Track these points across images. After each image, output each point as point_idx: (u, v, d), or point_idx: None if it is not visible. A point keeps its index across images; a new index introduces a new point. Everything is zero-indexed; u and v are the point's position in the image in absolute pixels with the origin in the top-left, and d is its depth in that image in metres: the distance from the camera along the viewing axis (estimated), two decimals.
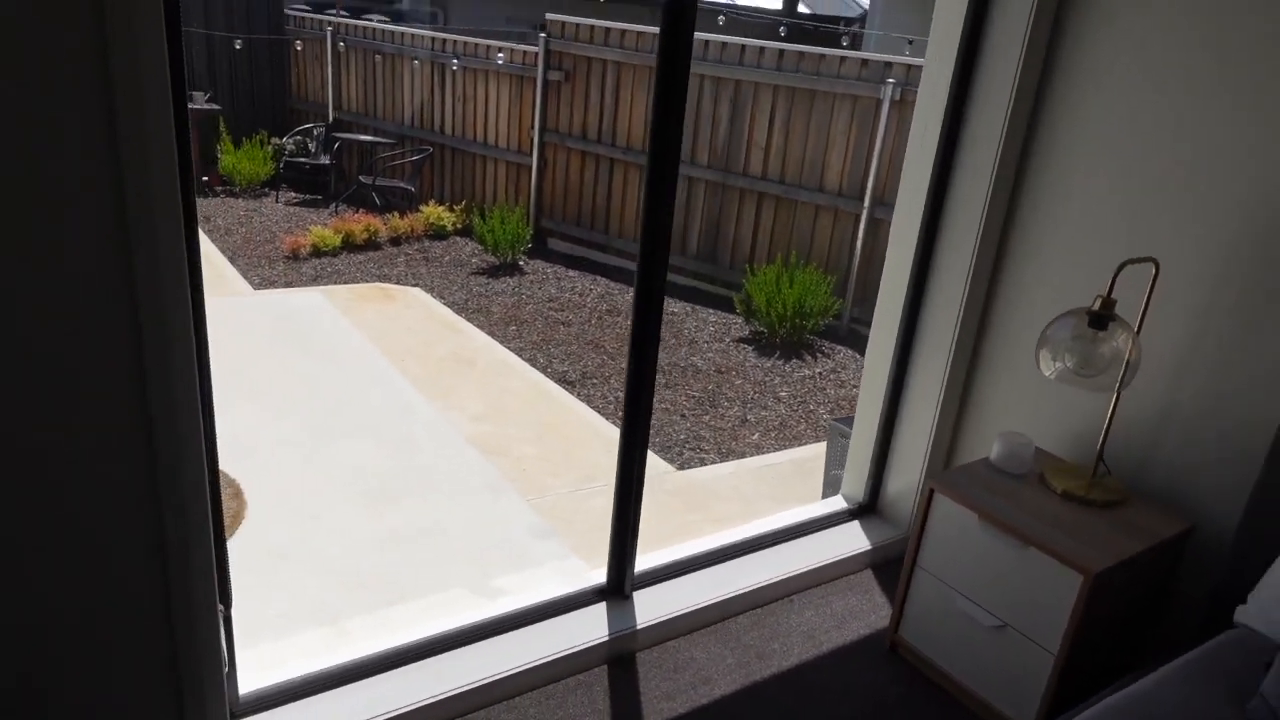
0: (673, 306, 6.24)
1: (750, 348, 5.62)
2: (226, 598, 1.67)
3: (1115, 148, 2.18)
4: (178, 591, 1.53)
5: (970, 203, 2.41)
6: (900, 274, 2.59)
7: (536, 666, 2.06)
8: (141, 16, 1.23)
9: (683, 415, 4.60)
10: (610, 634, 2.18)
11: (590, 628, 2.19)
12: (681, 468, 4.02)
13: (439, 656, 2.06)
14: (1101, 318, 1.95)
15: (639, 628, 2.22)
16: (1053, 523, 1.99)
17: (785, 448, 4.34)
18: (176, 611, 1.54)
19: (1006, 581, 2.01)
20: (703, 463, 4.10)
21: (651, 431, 4.33)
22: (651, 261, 2.02)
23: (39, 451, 1.34)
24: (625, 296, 6.34)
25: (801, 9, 12.85)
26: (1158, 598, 2.08)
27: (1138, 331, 2.03)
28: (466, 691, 1.97)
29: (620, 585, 2.30)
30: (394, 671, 2.00)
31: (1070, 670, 1.92)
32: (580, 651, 2.13)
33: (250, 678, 1.84)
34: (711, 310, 6.23)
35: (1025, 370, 2.44)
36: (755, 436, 4.46)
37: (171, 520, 1.49)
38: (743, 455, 4.23)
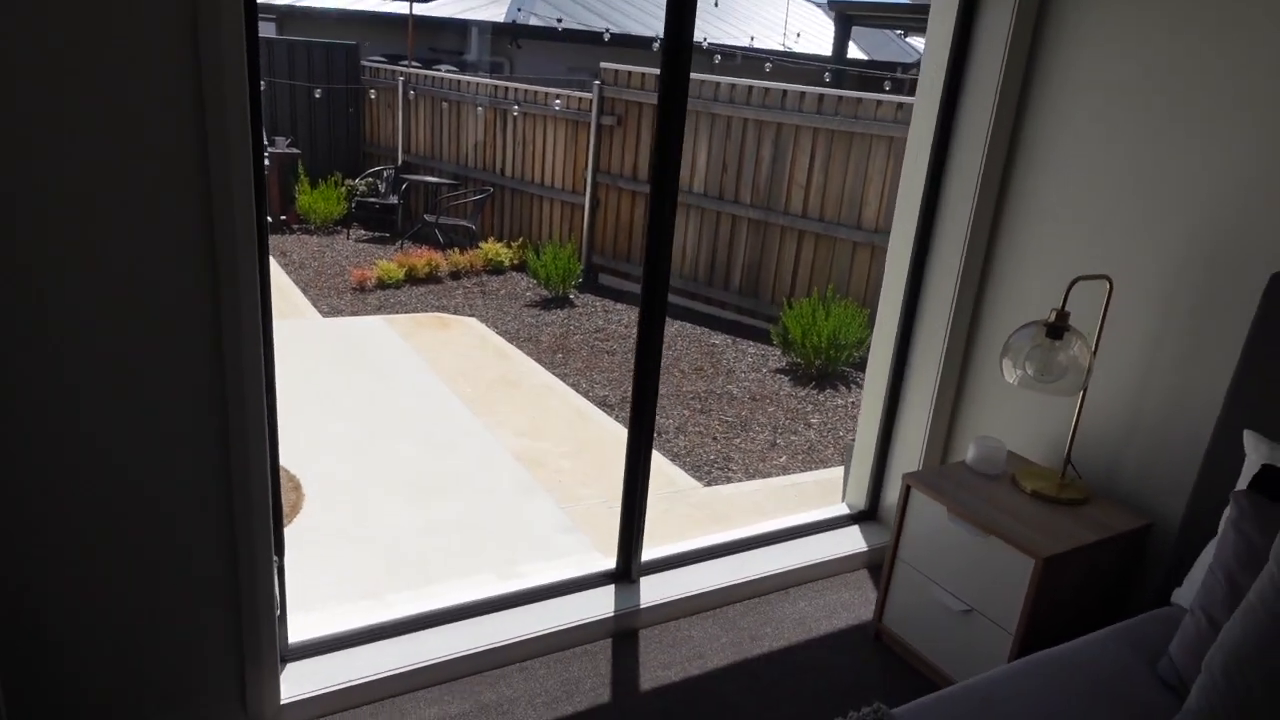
0: (714, 339, 6.50)
1: (786, 378, 5.84)
2: (280, 549, 1.97)
3: (1080, 181, 2.40)
4: (243, 541, 1.84)
5: (955, 228, 2.64)
6: (895, 296, 2.82)
7: (547, 635, 2.32)
8: (231, 89, 1.56)
9: (714, 438, 4.84)
10: (616, 611, 2.43)
11: (598, 605, 2.44)
12: (709, 485, 4.25)
13: (465, 621, 2.33)
14: (1057, 328, 2.16)
15: (642, 607, 2.46)
16: (1016, 516, 2.18)
17: (811, 469, 4.54)
18: (242, 556, 1.85)
19: (972, 569, 2.21)
20: (729, 481, 4.33)
21: (684, 452, 4.60)
22: (654, 275, 2.31)
23: (144, 436, 1.67)
24: (670, 328, 6.63)
25: (858, 54, 13.15)
26: (1116, 587, 2.24)
27: (1097, 341, 2.23)
28: (486, 651, 2.24)
29: (628, 570, 2.55)
30: (425, 631, 2.28)
31: (1027, 650, 2.10)
32: (587, 625, 2.38)
33: (299, 630, 2.14)
34: (751, 343, 6.46)
35: (1009, 382, 2.64)
36: (783, 459, 4.67)
37: (238, 490, 1.80)
38: (769, 475, 4.44)
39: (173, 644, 1.84)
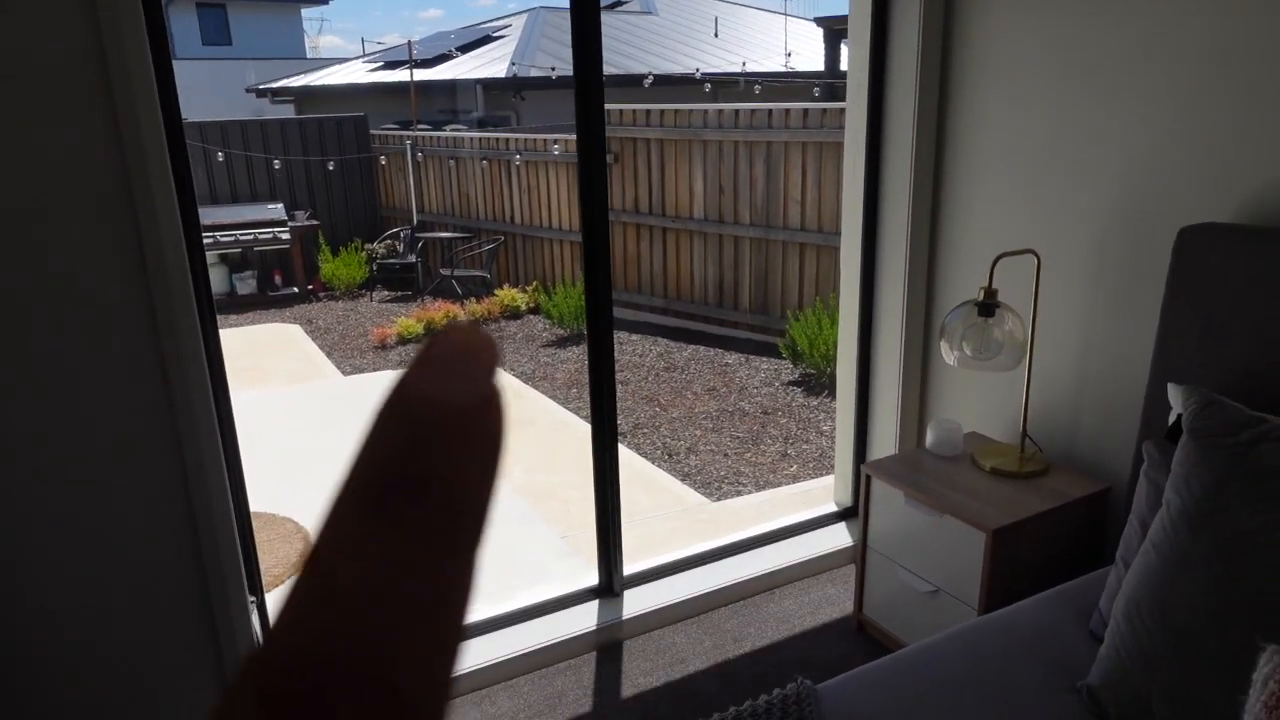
0: (728, 359, 6.57)
1: (799, 389, 5.88)
2: (257, 591, 2.09)
3: (1003, 164, 2.45)
4: (215, 585, 1.96)
5: (896, 222, 2.70)
6: (852, 295, 2.89)
7: (530, 653, 2.40)
8: (157, 180, 1.72)
9: (726, 455, 4.89)
10: (598, 625, 2.50)
11: (581, 621, 2.52)
12: (718, 500, 4.30)
13: None
14: (988, 305, 2.20)
15: (625, 619, 2.53)
16: (971, 494, 2.22)
17: (821, 476, 4.56)
18: (215, 599, 1.97)
19: (932, 549, 2.24)
20: (739, 494, 4.37)
21: (694, 471, 4.65)
22: (596, 298, 2.41)
23: (109, 496, 1.81)
24: (684, 353, 6.72)
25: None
26: (1077, 553, 2.25)
27: (1034, 315, 2.27)
28: (472, 672, 2.33)
29: (610, 585, 2.62)
30: None
31: None
32: (570, 640, 2.45)
33: None
34: (764, 359, 6.51)
35: (949, 363, 2.68)
36: (794, 468, 4.70)
37: (207, 545, 1.93)
38: (779, 485, 4.48)
39: (155, 683, 1.96)
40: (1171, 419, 1.82)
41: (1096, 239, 2.26)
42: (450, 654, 0.17)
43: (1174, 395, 1.85)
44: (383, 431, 0.17)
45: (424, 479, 0.17)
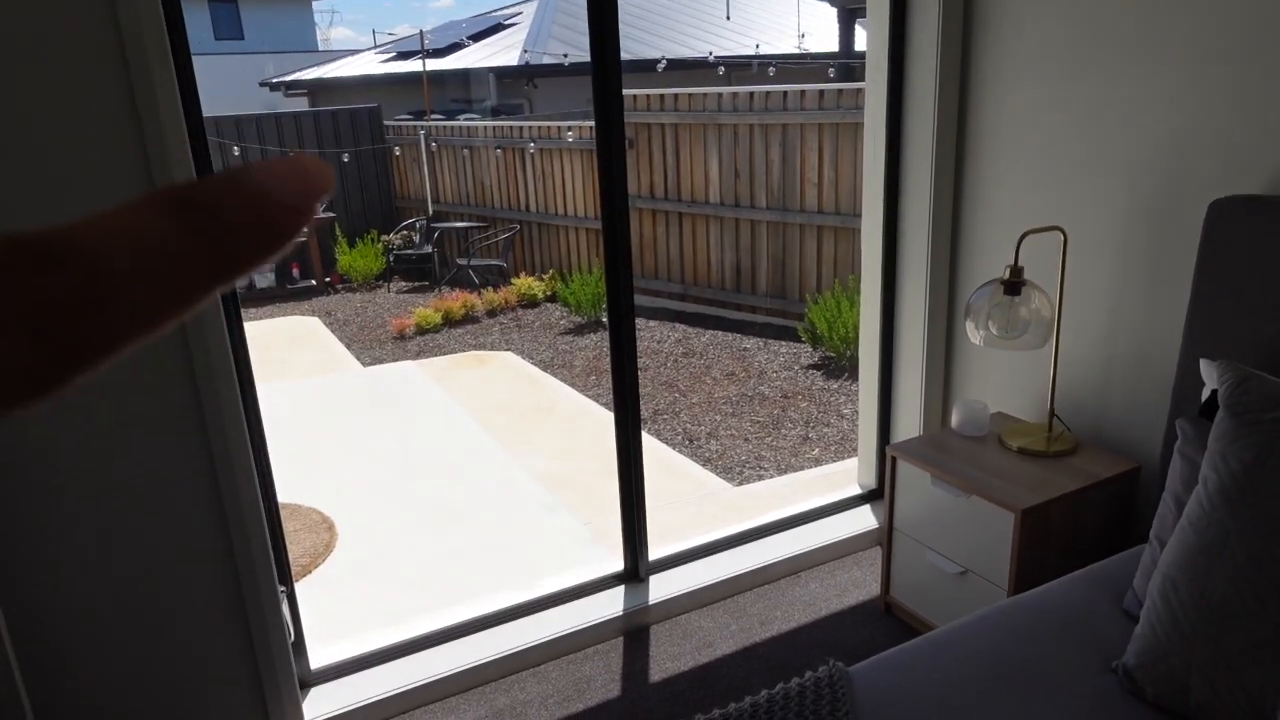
0: (746, 343, 6.55)
1: (819, 372, 5.85)
2: (287, 579, 2.11)
3: (1027, 136, 2.42)
4: (245, 575, 1.98)
5: (918, 202, 2.67)
6: (874, 275, 2.86)
7: (558, 639, 2.41)
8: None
9: (746, 439, 4.88)
10: (625, 610, 2.50)
11: (608, 606, 2.52)
12: (740, 484, 4.30)
13: (480, 633, 2.44)
14: (1014, 284, 2.18)
15: (651, 604, 2.53)
16: (999, 474, 2.20)
17: (842, 459, 4.55)
18: (246, 589, 1.98)
19: (961, 530, 2.23)
20: (761, 479, 4.36)
21: (715, 456, 4.65)
22: (617, 279, 2.40)
23: (147, 491, 1.82)
24: (702, 338, 6.70)
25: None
26: (1108, 532, 2.23)
27: (1060, 292, 2.24)
28: (500, 659, 2.34)
29: (635, 570, 2.63)
30: (442, 645, 2.39)
31: None
32: (597, 625, 2.46)
33: (319, 656, 2.27)
34: (784, 343, 6.49)
35: (975, 343, 2.65)
36: (815, 452, 4.68)
37: (235, 528, 1.94)
38: (801, 469, 4.46)
39: (191, 674, 1.98)
40: (1205, 395, 1.80)
41: (1123, 214, 2.23)
42: (147, 324, 0.20)
43: (1207, 371, 1.82)
44: (214, 178, 0.21)
45: (219, 206, 0.21)
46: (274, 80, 13.76)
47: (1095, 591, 1.73)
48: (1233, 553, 1.34)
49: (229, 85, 13.73)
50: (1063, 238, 2.22)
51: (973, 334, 2.26)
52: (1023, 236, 2.15)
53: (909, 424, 2.89)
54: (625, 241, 2.37)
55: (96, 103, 1.64)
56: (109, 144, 1.66)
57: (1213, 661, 1.33)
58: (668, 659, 2.38)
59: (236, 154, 8.85)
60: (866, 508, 2.99)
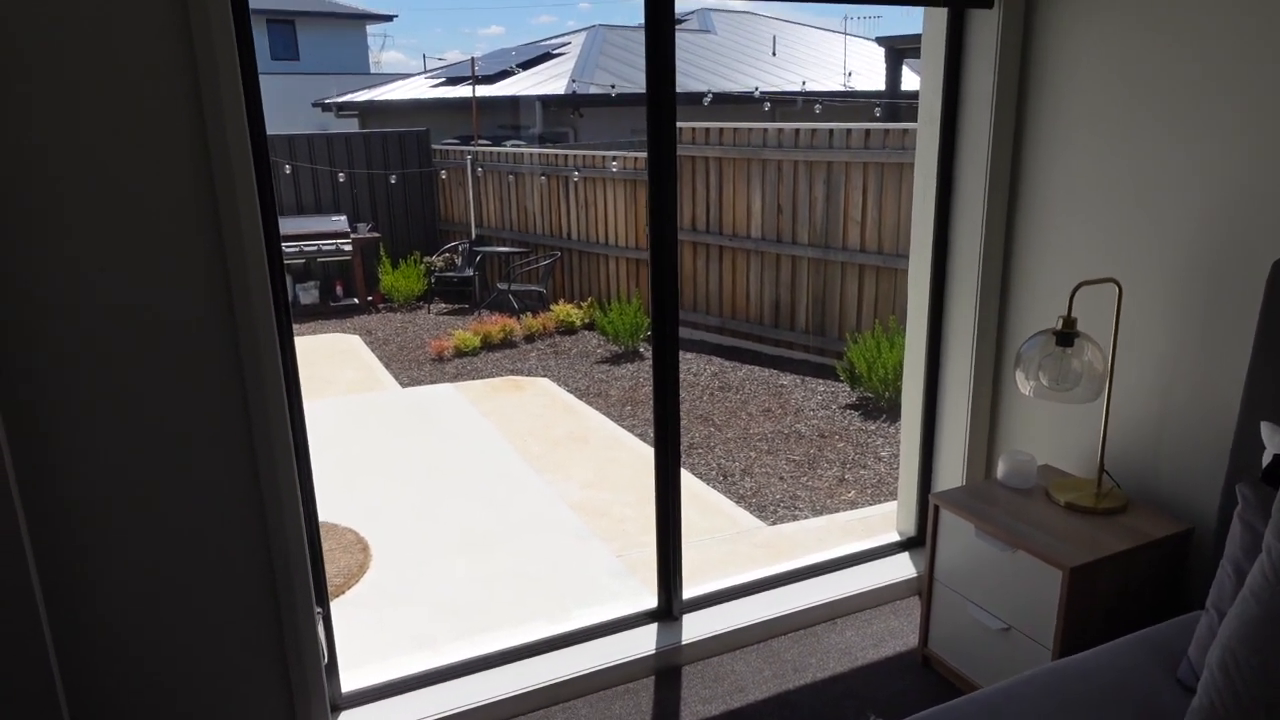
0: (783, 380, 6.51)
1: (856, 413, 5.79)
2: (324, 601, 2.11)
3: (1084, 191, 2.39)
4: (284, 597, 1.99)
5: (968, 247, 2.65)
6: (920, 320, 2.83)
7: (589, 674, 2.38)
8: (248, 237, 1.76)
9: (781, 478, 4.84)
10: (657, 649, 2.47)
11: (640, 644, 2.49)
12: (773, 524, 4.25)
13: (512, 665, 2.42)
14: (1067, 335, 2.14)
15: (684, 644, 2.50)
16: (1045, 529, 2.15)
17: (879, 503, 4.48)
18: (284, 610, 1.99)
19: (1005, 586, 2.18)
20: (795, 519, 4.31)
21: (749, 494, 4.62)
22: (662, 310, 2.40)
23: (187, 505, 1.85)
24: (739, 372, 6.68)
25: (915, 87, 13.06)
26: (1158, 595, 2.17)
27: (1114, 345, 2.20)
28: (530, 692, 2.32)
29: (669, 608, 2.60)
30: (473, 675, 2.37)
31: None
32: (629, 663, 2.43)
33: (351, 680, 2.27)
34: (821, 381, 6.44)
35: (1024, 393, 2.61)
36: (851, 494, 4.62)
37: (277, 551, 1.95)
38: (836, 511, 4.41)
39: (225, 691, 1.99)
40: (1266, 459, 1.75)
41: (1181, 270, 2.19)
42: None
43: (1269, 434, 1.78)
44: None
45: None
46: (327, 101, 14.05)
47: (1147, 658, 1.68)
48: None
49: (283, 104, 14.05)
50: (1118, 290, 2.19)
51: (1023, 384, 2.22)
52: (1077, 287, 2.12)
53: (951, 472, 2.84)
54: (672, 273, 2.37)
55: (165, 128, 1.68)
56: (175, 159, 1.70)
57: None
58: (699, 701, 2.35)
59: (287, 171, 9.03)
60: (905, 555, 2.94)
